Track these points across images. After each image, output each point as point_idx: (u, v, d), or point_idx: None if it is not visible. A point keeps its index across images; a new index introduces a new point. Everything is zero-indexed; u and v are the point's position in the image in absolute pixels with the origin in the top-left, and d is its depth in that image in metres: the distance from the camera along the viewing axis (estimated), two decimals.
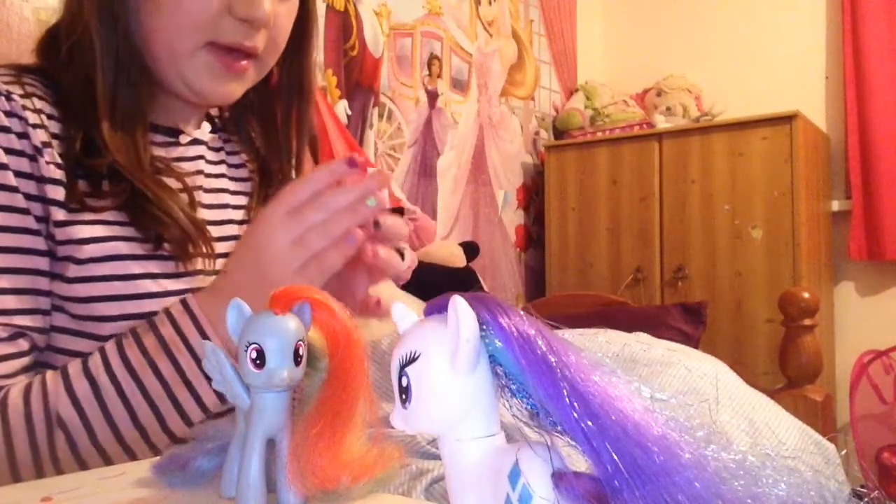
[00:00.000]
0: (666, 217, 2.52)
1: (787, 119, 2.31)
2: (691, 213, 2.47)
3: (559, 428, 0.26)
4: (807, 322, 1.55)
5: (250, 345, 0.35)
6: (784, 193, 2.30)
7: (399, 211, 1.84)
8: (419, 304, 1.48)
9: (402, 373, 0.29)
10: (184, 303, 0.59)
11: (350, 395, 0.37)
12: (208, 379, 0.56)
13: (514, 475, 0.26)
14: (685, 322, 1.86)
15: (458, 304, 0.27)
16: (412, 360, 0.28)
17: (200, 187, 0.74)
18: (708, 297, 2.34)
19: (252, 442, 0.36)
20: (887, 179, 2.54)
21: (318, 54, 1.97)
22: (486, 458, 0.28)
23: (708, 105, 2.69)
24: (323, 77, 1.99)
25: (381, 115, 2.18)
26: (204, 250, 0.66)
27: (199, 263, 0.66)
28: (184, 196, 0.68)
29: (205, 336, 0.57)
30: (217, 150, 0.79)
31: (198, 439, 0.43)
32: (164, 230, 0.63)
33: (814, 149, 2.46)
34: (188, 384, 0.57)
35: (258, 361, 0.35)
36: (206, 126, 0.77)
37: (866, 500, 0.28)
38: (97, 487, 0.42)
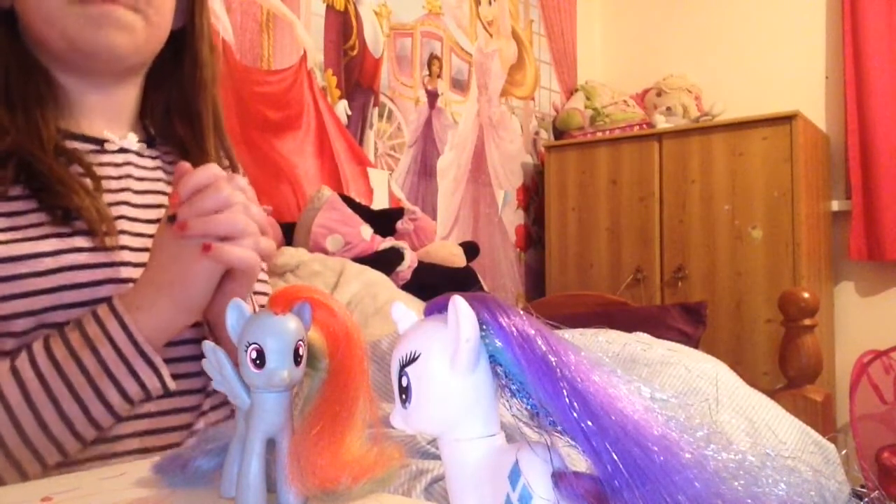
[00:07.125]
0: (666, 217, 2.52)
1: (787, 119, 2.31)
2: (691, 213, 2.47)
3: (559, 428, 0.25)
4: (807, 322, 1.55)
5: (250, 345, 0.35)
6: (784, 193, 2.30)
7: (399, 211, 1.84)
8: (419, 304, 1.48)
9: (402, 373, 0.29)
10: (109, 302, 0.60)
11: (350, 395, 0.37)
12: (131, 371, 0.58)
13: (514, 475, 0.26)
14: (685, 322, 1.85)
15: (458, 304, 0.27)
16: (412, 360, 0.28)
17: (128, 189, 0.73)
18: (708, 297, 2.34)
19: (252, 442, 0.36)
20: (887, 179, 2.54)
21: (318, 54, 1.97)
22: (486, 458, 0.28)
23: (708, 105, 2.69)
24: (323, 77, 1.99)
25: (381, 115, 2.18)
26: (106, 229, 0.65)
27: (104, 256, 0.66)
28: (87, 180, 0.68)
29: (126, 330, 0.58)
30: (153, 157, 0.79)
31: (198, 439, 0.43)
32: (70, 204, 0.64)
33: (814, 149, 2.46)
34: (111, 376, 0.58)
35: (258, 361, 0.35)
36: (133, 136, 0.77)
37: (866, 500, 0.28)
38: (97, 487, 0.42)
